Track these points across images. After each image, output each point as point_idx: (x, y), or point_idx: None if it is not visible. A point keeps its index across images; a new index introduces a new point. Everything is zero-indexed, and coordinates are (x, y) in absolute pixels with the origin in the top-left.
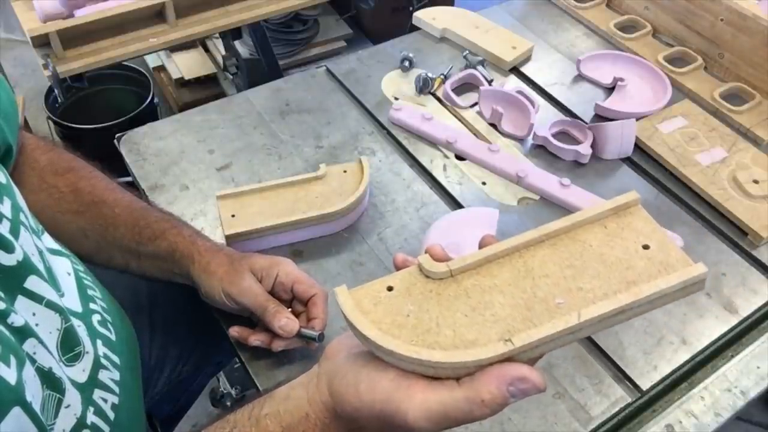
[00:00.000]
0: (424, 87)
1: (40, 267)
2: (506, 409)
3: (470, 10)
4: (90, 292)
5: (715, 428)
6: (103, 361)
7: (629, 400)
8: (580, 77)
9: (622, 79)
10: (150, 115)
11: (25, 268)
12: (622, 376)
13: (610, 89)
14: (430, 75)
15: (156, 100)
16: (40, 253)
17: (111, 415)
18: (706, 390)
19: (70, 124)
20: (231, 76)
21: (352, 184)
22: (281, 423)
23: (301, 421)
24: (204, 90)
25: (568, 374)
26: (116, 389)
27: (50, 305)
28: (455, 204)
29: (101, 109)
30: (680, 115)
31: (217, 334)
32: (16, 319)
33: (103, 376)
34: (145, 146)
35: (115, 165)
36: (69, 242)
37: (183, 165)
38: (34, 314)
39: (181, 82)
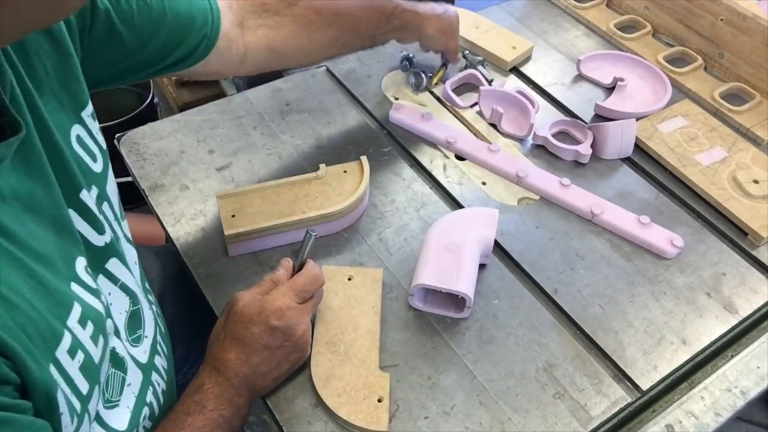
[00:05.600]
0: (417, 83)
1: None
2: (506, 408)
3: (470, 10)
4: (146, 285)
5: (715, 428)
6: (159, 347)
7: (629, 400)
8: (580, 77)
9: (622, 79)
10: (150, 115)
11: (109, 250)
12: (622, 376)
13: (610, 89)
14: (424, 72)
15: (156, 100)
16: (117, 239)
17: (161, 399)
18: (706, 390)
19: None
20: (231, 76)
21: (352, 184)
22: None
23: None
24: (204, 90)
25: (568, 374)
26: (165, 376)
27: (124, 288)
28: (455, 204)
29: (101, 109)
30: (680, 115)
31: None
32: (104, 300)
33: (158, 361)
34: (145, 146)
35: (115, 165)
36: (317, 53)
37: (183, 165)
38: (110, 294)
39: (181, 82)
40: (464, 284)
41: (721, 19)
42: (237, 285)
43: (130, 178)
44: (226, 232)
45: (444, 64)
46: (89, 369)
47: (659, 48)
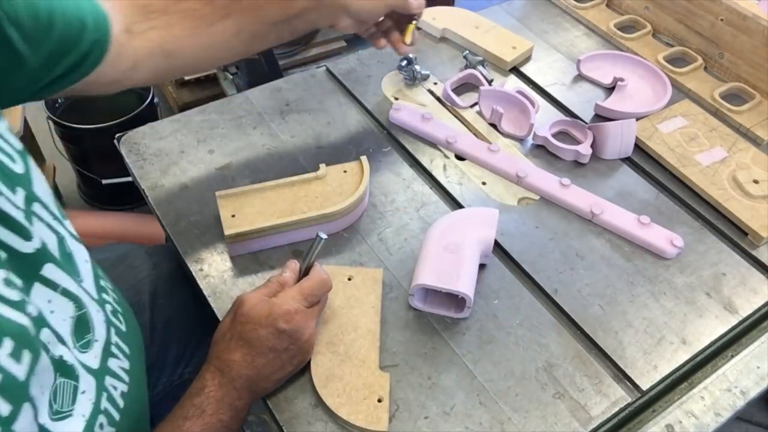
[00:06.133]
0: (408, 75)
1: (57, 255)
2: (506, 408)
3: (470, 10)
4: (102, 282)
5: (715, 428)
6: (114, 349)
7: (629, 400)
8: (580, 77)
9: (622, 79)
10: (150, 115)
11: (42, 255)
12: (622, 376)
13: (610, 89)
14: (417, 68)
15: (156, 100)
16: (61, 239)
17: (121, 402)
18: (706, 390)
19: (70, 124)
20: (231, 76)
21: (352, 184)
22: None
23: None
24: (204, 90)
25: (568, 374)
26: (126, 378)
27: (65, 293)
28: (455, 204)
29: (101, 109)
30: (680, 115)
31: None
32: (32, 310)
33: (113, 364)
34: (145, 146)
35: (115, 165)
36: (222, 50)
37: (183, 165)
38: (49, 301)
39: (181, 82)
40: (464, 284)
41: (721, 19)
42: (237, 285)
43: (130, 178)
44: (226, 232)
45: (410, 20)
46: (10, 389)
47: (659, 48)
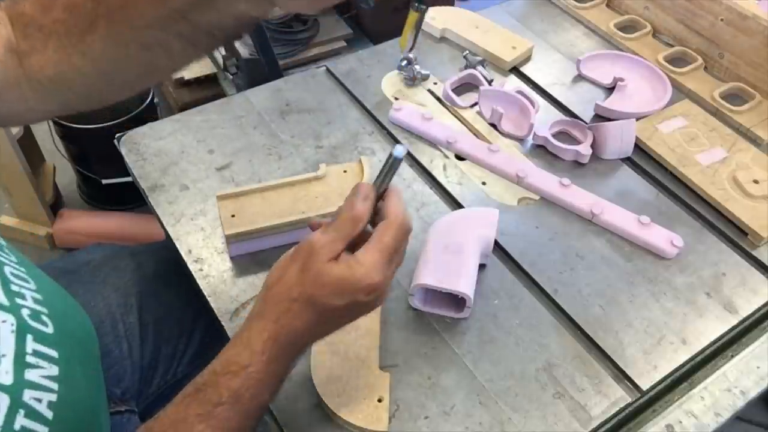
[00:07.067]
0: (408, 75)
1: None
2: (506, 408)
3: (470, 10)
4: (17, 286)
5: (715, 428)
6: (31, 359)
7: (629, 400)
8: (580, 77)
9: (622, 79)
10: (150, 115)
11: None
12: (622, 376)
13: (610, 89)
14: (417, 68)
15: (156, 100)
16: None
17: (48, 414)
18: (706, 390)
19: (69, 124)
20: (231, 76)
21: (352, 184)
22: None
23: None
24: (204, 90)
25: (568, 374)
26: (54, 386)
27: None
28: (455, 204)
29: (101, 109)
30: (680, 115)
31: (210, 335)
32: None
33: (32, 375)
34: (145, 146)
35: (115, 165)
36: (114, 69)
37: (183, 165)
38: None
39: (181, 82)
40: (464, 284)
41: (721, 19)
42: (237, 285)
43: (130, 178)
44: (226, 232)
45: (413, 3)
46: None
47: (659, 48)
